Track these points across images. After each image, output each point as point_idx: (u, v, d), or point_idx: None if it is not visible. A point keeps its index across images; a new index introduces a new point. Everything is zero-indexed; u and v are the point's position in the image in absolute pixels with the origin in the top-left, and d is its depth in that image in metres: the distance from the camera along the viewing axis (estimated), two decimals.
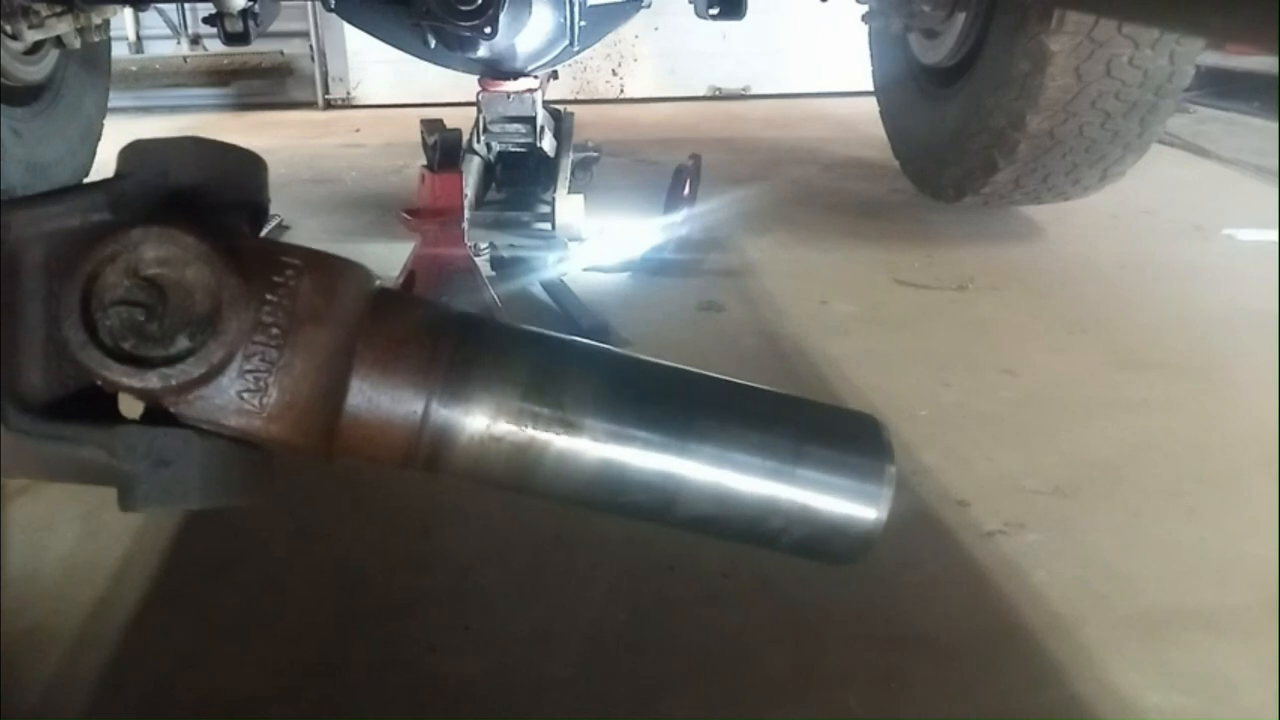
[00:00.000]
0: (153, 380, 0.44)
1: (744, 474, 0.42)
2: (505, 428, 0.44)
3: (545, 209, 2.52)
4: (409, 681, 1.12)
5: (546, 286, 2.31)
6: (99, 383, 0.45)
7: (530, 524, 1.43)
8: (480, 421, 0.45)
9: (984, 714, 1.08)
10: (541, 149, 2.55)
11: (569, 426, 0.43)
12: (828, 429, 0.43)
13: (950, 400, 1.81)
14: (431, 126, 2.46)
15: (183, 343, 0.44)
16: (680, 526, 0.45)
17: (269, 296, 0.45)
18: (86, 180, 0.48)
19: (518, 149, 2.57)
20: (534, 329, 0.48)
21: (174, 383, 0.44)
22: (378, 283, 0.49)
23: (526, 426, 0.44)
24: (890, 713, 1.09)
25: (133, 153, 0.48)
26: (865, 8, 3.06)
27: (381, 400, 0.45)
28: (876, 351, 2.02)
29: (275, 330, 0.45)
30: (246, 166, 0.51)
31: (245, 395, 0.46)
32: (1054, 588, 1.28)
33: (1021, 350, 2.03)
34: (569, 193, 2.49)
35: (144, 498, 0.49)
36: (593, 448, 0.44)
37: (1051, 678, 1.13)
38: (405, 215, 2.20)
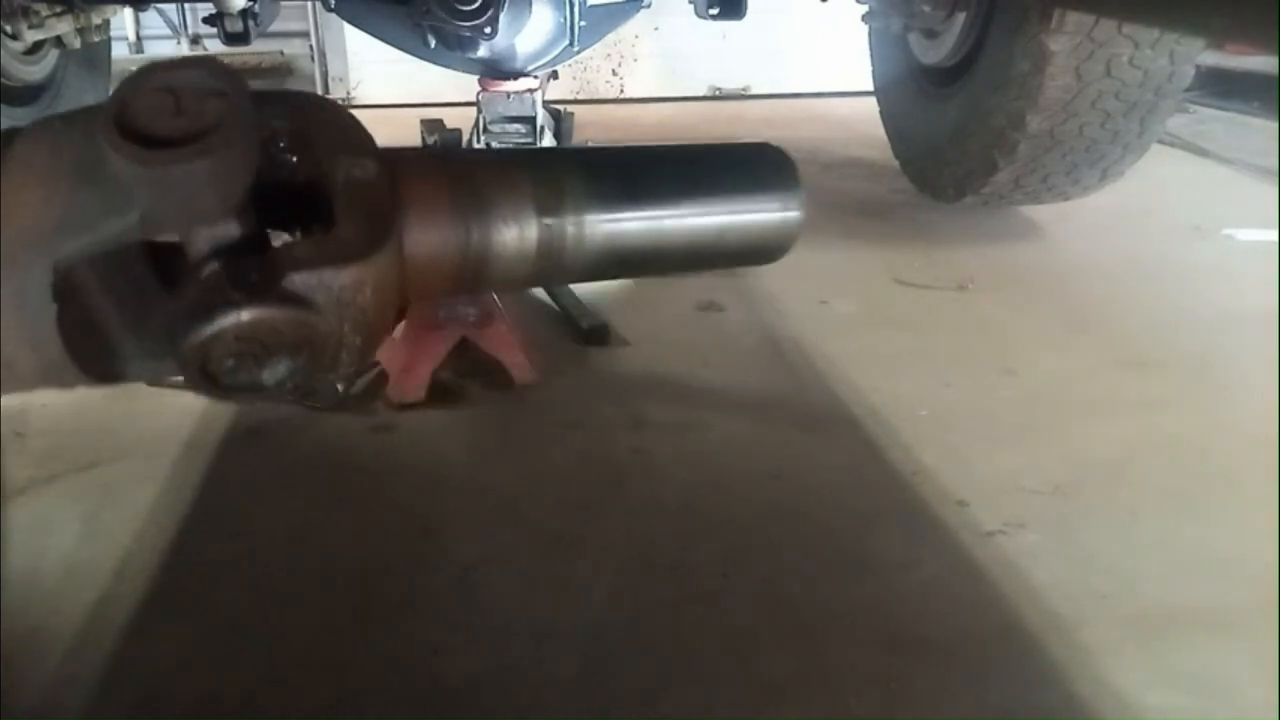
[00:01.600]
0: (264, 395, 0.48)
1: (703, 218, 0.55)
2: (529, 233, 0.53)
3: None
4: (410, 681, 1.12)
5: (546, 287, 2.31)
6: None
7: (530, 524, 1.43)
8: (509, 231, 0.53)
9: (984, 714, 1.08)
10: None
11: (575, 219, 0.54)
12: (744, 165, 0.56)
13: (950, 400, 1.81)
14: (431, 126, 2.46)
15: (285, 366, 0.47)
16: (667, 272, 0.59)
17: (343, 304, 0.47)
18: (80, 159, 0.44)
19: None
20: (521, 148, 0.55)
21: (281, 391, 0.48)
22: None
23: (544, 228, 0.53)
24: (890, 713, 1.09)
25: (143, 176, 0.41)
26: (865, 8, 3.06)
27: (432, 244, 0.52)
28: (876, 351, 2.02)
29: (355, 311, 0.47)
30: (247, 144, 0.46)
31: (345, 348, 0.49)
32: (1054, 588, 1.28)
33: (1021, 350, 2.03)
34: None
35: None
36: (596, 231, 0.54)
37: (1051, 677, 1.13)
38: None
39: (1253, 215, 2.97)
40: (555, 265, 0.55)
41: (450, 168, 0.54)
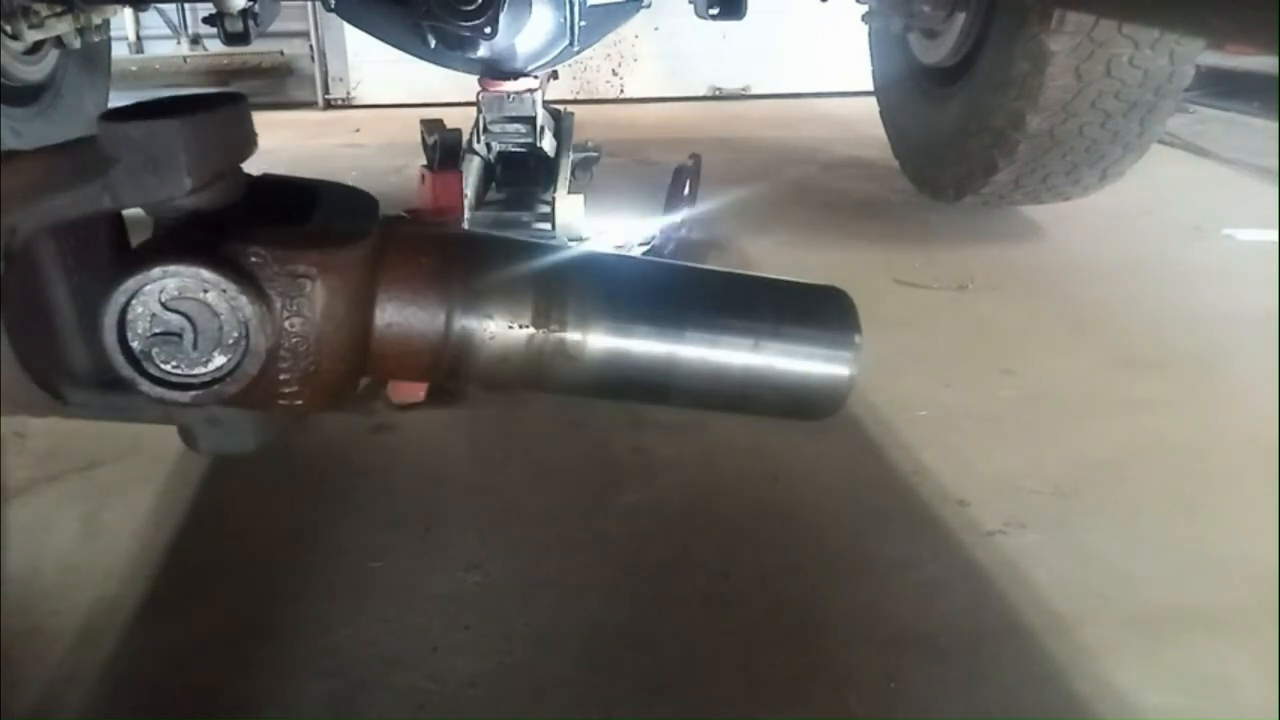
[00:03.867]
0: (196, 397, 0.46)
1: (731, 353, 0.47)
2: (520, 332, 0.48)
3: (545, 209, 2.51)
4: (410, 682, 1.12)
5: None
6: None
7: (530, 524, 1.43)
8: (497, 327, 0.48)
9: (984, 714, 1.08)
10: (541, 149, 2.55)
11: (576, 326, 0.48)
12: (801, 305, 0.48)
13: (950, 400, 1.81)
14: (431, 126, 2.46)
15: (218, 360, 0.45)
16: (678, 405, 0.50)
17: (292, 301, 0.46)
18: (67, 143, 0.45)
19: (518, 149, 2.57)
20: (533, 239, 0.50)
21: (216, 399, 0.46)
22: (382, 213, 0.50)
23: (539, 329, 0.48)
24: (890, 713, 1.09)
25: (119, 134, 0.43)
26: (865, 8, 3.06)
27: (407, 319, 0.48)
28: (876, 351, 2.00)
29: (301, 324, 0.46)
30: (226, 126, 0.47)
31: (283, 380, 0.48)
32: (1054, 588, 1.28)
33: (1021, 350, 2.03)
34: (569, 193, 2.49)
35: (206, 446, 0.50)
36: (598, 343, 0.48)
37: (1051, 677, 1.13)
38: (405, 215, 2.20)
39: (1253, 215, 2.97)
40: (544, 374, 0.50)
41: (447, 246, 0.50)
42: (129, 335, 0.44)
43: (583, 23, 2.44)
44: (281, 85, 5.53)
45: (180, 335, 0.44)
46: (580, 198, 2.48)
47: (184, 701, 1.10)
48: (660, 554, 1.36)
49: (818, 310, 0.47)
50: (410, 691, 1.11)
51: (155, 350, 0.45)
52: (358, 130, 4.78)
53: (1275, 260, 2.44)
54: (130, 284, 0.43)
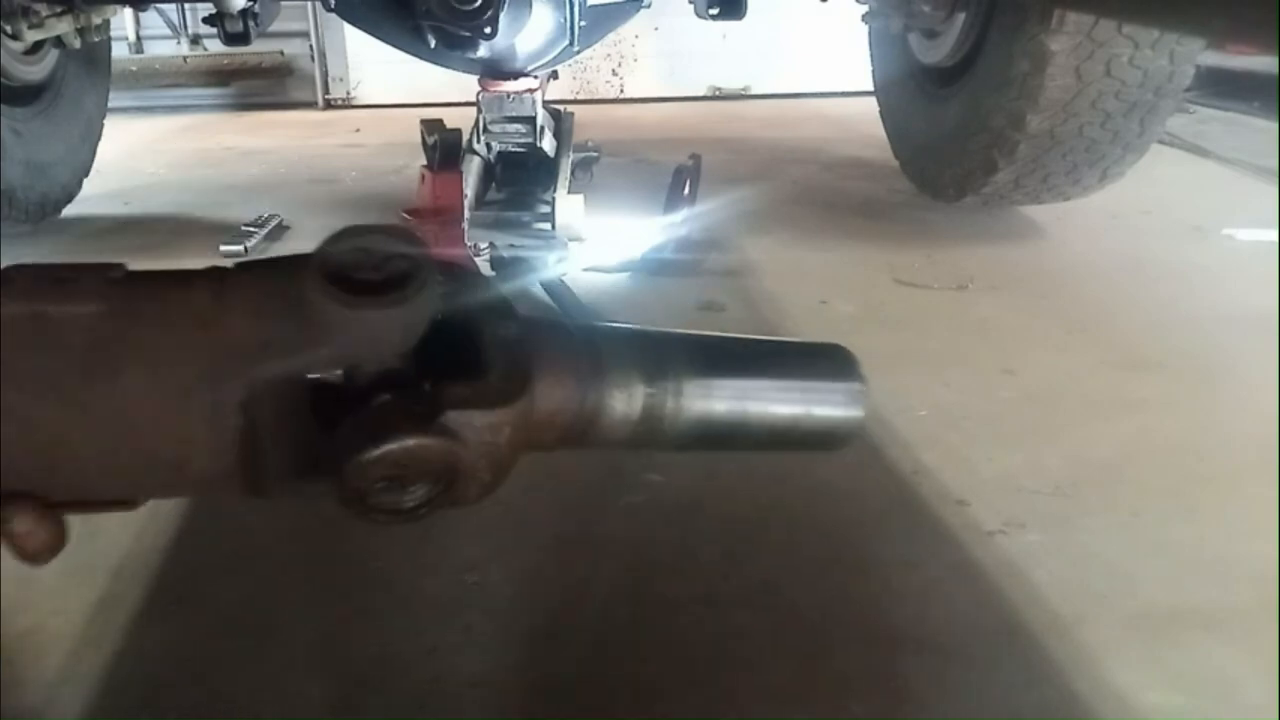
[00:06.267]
0: (393, 518, 0.52)
1: (780, 405, 0.60)
2: (635, 402, 0.59)
3: (545, 209, 2.52)
4: (410, 682, 1.13)
5: (546, 286, 2.31)
6: None
7: (530, 524, 1.43)
8: (620, 399, 0.59)
9: (984, 714, 1.08)
10: (541, 149, 2.55)
11: (675, 394, 0.59)
12: (819, 362, 0.62)
13: (950, 400, 1.81)
14: (431, 126, 2.46)
15: (422, 491, 0.52)
16: (744, 449, 0.63)
17: (483, 427, 0.52)
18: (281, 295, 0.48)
19: (518, 149, 2.58)
20: (628, 326, 0.63)
21: (410, 519, 0.53)
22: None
23: (649, 397, 0.59)
24: (891, 713, 1.09)
25: (350, 318, 0.46)
26: (865, 8, 3.06)
27: (555, 398, 0.57)
28: (876, 351, 2.01)
29: (491, 452, 0.53)
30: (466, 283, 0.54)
31: (478, 479, 0.55)
32: (1054, 588, 1.28)
33: (1021, 350, 2.03)
34: (569, 193, 2.49)
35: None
36: (692, 405, 0.60)
37: (1051, 677, 1.13)
38: (405, 215, 2.20)
39: (1253, 215, 2.97)
40: (653, 432, 0.61)
41: (577, 335, 0.60)
42: (359, 485, 0.49)
43: (583, 23, 2.45)
44: (281, 85, 5.53)
45: (400, 479, 0.50)
46: (580, 198, 2.48)
47: (184, 701, 1.10)
48: (660, 554, 1.36)
49: (833, 365, 0.61)
50: (410, 691, 1.11)
51: (376, 491, 0.50)
52: (358, 130, 4.78)
53: (1275, 260, 2.44)
54: (374, 455, 0.48)
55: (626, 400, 0.59)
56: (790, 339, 0.69)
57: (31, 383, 0.44)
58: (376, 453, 0.47)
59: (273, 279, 0.47)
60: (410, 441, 0.48)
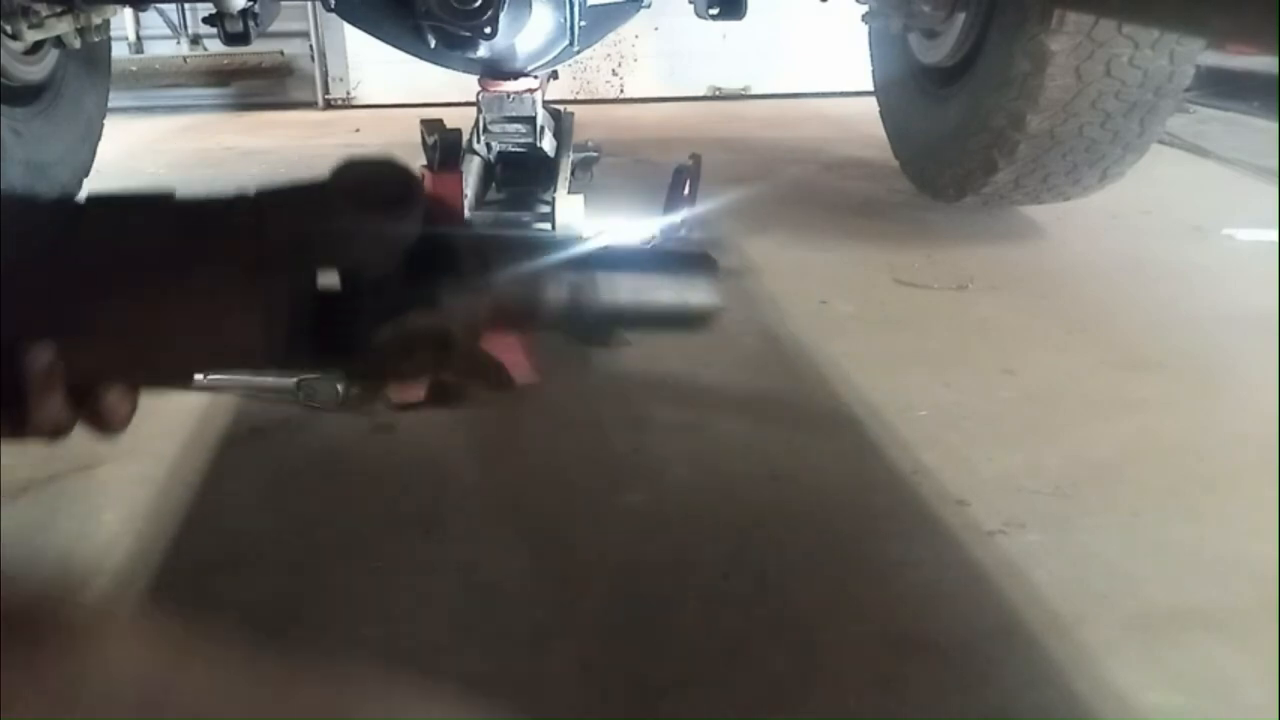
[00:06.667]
0: None
1: (665, 293, 0.69)
2: (563, 293, 0.66)
3: (545, 209, 2.51)
4: (410, 683, 1.12)
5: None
6: None
7: (530, 524, 1.43)
8: (552, 291, 0.65)
9: (984, 714, 1.08)
10: (541, 149, 2.55)
11: (592, 287, 0.65)
12: (691, 261, 0.71)
13: (950, 400, 1.81)
14: (431, 126, 2.46)
15: (425, 357, 0.59)
16: (638, 328, 0.75)
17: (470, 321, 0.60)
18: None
19: (518, 149, 2.57)
20: (558, 234, 0.71)
21: None
22: None
23: (574, 289, 0.65)
24: (890, 713, 1.09)
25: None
26: (865, 8, 3.06)
27: (506, 291, 0.65)
28: (876, 351, 2.02)
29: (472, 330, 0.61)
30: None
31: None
32: (1054, 588, 1.28)
33: (1021, 350, 2.03)
34: (569, 193, 2.49)
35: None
36: (602, 295, 0.66)
37: (1051, 677, 1.13)
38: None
39: (1253, 215, 2.97)
40: (576, 317, 0.68)
41: (521, 241, 0.70)
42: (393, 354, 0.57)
43: (583, 23, 2.44)
44: (281, 85, 5.52)
45: (410, 351, 0.58)
46: (580, 198, 2.48)
47: (184, 702, 1.10)
48: (660, 554, 1.36)
49: (702, 263, 0.71)
50: (412, 692, 1.11)
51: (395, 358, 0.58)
52: (358, 130, 4.78)
53: (1275, 260, 2.44)
54: (404, 329, 0.57)
55: (557, 290, 0.68)
56: (671, 249, 0.78)
57: (120, 287, 0.53)
58: (407, 328, 0.57)
59: (299, 199, 0.56)
60: (426, 320, 0.57)
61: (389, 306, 0.58)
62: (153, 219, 0.56)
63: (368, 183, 0.56)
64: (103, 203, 0.56)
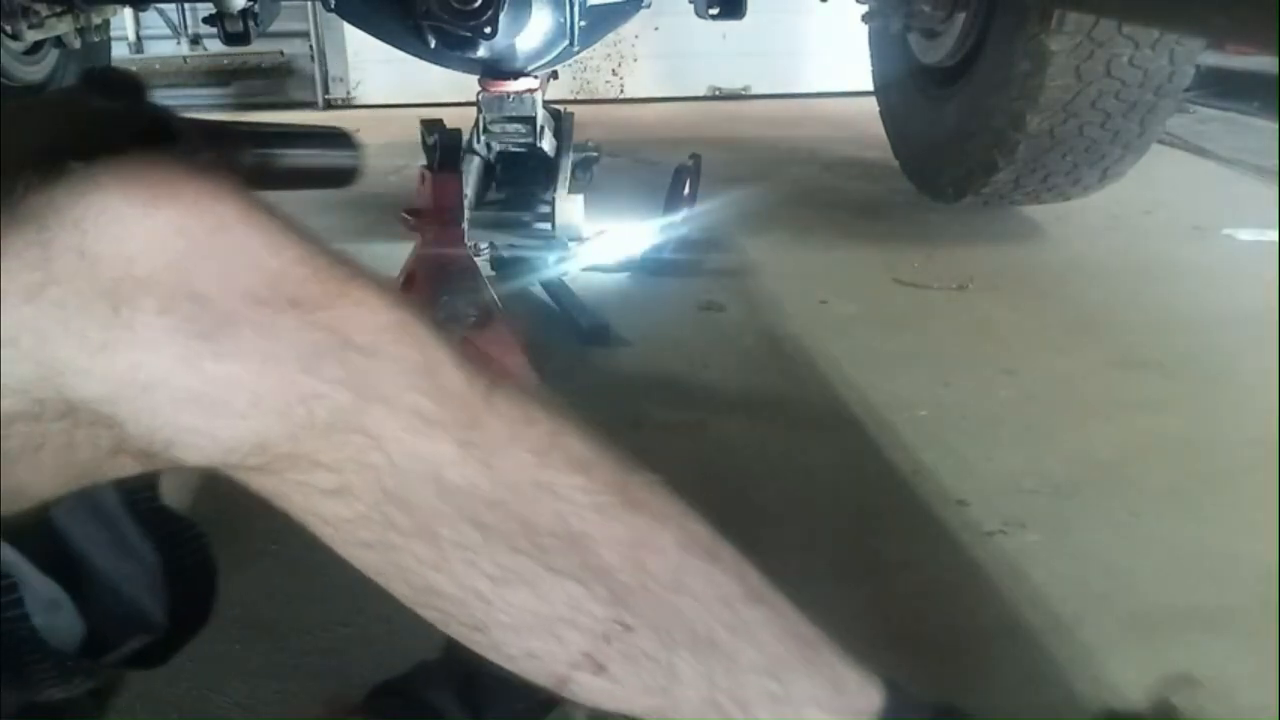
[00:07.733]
0: None
1: (320, 160, 0.85)
2: (250, 160, 0.77)
3: (545, 209, 2.52)
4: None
5: (546, 286, 2.31)
6: None
7: None
8: (247, 158, 0.77)
9: (984, 714, 1.08)
10: (541, 149, 2.55)
11: (268, 156, 0.78)
12: (333, 137, 0.86)
13: (950, 400, 1.81)
14: (431, 126, 2.46)
15: None
16: (297, 188, 0.79)
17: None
18: None
19: (518, 149, 2.57)
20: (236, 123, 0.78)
21: None
22: None
23: (254, 157, 0.77)
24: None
25: None
26: (865, 8, 3.06)
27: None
28: (876, 351, 2.02)
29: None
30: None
31: None
32: (1054, 587, 1.28)
33: (1021, 350, 2.03)
34: (569, 193, 2.49)
35: None
36: (274, 160, 0.79)
37: (1051, 677, 1.13)
38: (405, 215, 2.20)
39: (1253, 215, 2.97)
40: (258, 177, 0.74)
41: (214, 124, 0.78)
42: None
43: (583, 23, 2.44)
44: (281, 85, 5.52)
45: None
46: (580, 198, 2.48)
47: (183, 702, 1.10)
48: None
49: (344, 139, 0.86)
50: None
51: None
52: (357, 130, 4.75)
53: (1275, 260, 2.44)
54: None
55: (249, 156, 0.77)
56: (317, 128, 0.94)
57: None
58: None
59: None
60: None
61: None
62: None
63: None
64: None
